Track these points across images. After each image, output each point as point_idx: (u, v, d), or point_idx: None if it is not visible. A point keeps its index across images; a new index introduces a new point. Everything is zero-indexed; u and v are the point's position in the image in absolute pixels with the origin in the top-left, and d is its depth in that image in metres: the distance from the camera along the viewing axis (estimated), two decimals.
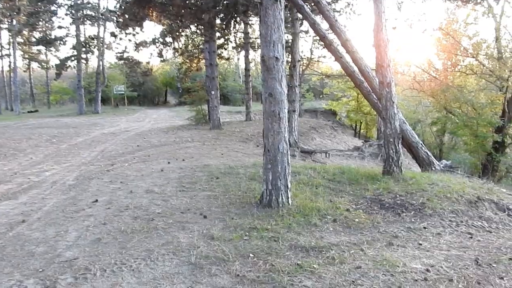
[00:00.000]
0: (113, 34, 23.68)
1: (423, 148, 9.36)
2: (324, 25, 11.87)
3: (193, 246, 3.82)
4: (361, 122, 29.60)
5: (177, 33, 15.80)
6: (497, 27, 18.22)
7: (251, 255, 3.60)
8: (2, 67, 42.64)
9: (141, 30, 19.94)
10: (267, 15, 5.09)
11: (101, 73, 32.32)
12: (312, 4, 11.69)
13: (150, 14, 12.80)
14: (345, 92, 28.32)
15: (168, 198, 5.64)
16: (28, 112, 34.59)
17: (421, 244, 3.85)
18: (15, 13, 26.60)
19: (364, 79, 9.83)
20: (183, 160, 9.10)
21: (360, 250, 3.67)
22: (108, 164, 8.93)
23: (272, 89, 5.07)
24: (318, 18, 12.60)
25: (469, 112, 19.38)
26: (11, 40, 36.11)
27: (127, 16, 13.10)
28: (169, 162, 8.77)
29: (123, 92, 35.74)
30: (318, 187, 6.00)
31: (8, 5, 33.09)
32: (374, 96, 9.44)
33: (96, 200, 5.72)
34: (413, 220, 4.64)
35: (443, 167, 9.44)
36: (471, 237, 4.12)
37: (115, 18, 25.47)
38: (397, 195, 5.46)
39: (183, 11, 13.49)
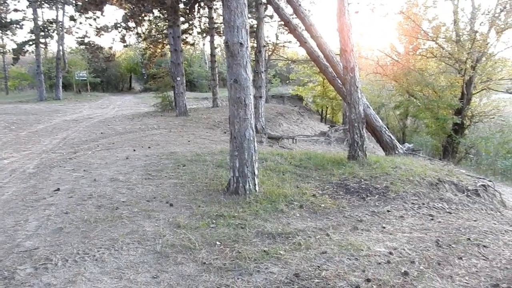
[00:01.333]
0: (72, 18, 22.78)
1: (386, 132, 9.58)
2: (288, 10, 11.83)
3: (159, 235, 3.78)
4: (327, 107, 29.95)
5: (140, 18, 15.38)
6: (455, 10, 18.72)
7: (217, 242, 3.59)
8: None
9: (101, 14, 19.26)
10: (230, 0, 5.01)
11: (61, 58, 31.12)
12: None
13: None
14: (311, 77, 28.51)
15: (133, 187, 5.54)
16: None
17: (384, 228, 3.96)
18: None
19: (328, 64, 9.91)
20: (149, 147, 8.95)
21: (326, 235, 3.73)
22: (70, 152, 8.67)
23: (237, 76, 5.03)
24: (282, 3, 12.57)
25: (430, 95, 19.95)
26: None
27: (86, 0, 12.64)
28: (134, 150, 8.60)
29: (85, 78, 34.69)
30: (285, 173, 6.04)
31: None
32: (339, 81, 9.55)
33: (58, 189, 5.55)
34: (377, 204, 4.76)
35: (406, 150, 9.72)
36: (432, 219, 4.27)
37: (73, 2, 24.50)
38: (362, 180, 5.58)
39: None
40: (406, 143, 12.44)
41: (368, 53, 23.35)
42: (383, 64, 22.04)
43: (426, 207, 4.68)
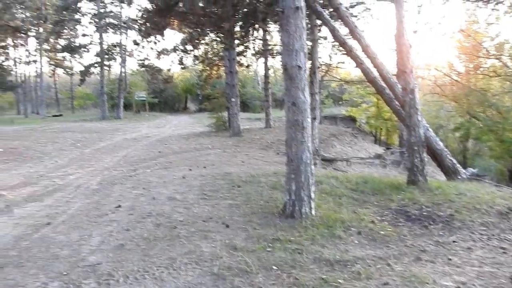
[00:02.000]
0: (135, 42, 24.05)
1: (448, 155, 9.15)
2: (342, 31, 11.77)
3: (216, 256, 3.80)
4: (381, 129, 29.23)
5: (197, 41, 15.93)
6: None
7: (274, 267, 3.55)
8: (30, 73, 43.82)
9: (162, 38, 20.14)
10: (288, 24, 5.06)
11: (123, 80, 32.84)
12: (331, 10, 11.64)
13: (171, 23, 12.95)
14: (364, 98, 28.03)
15: (190, 206, 5.64)
16: (53, 116, 35.35)
17: (450, 259, 3.73)
18: (42, 22, 27.34)
19: (385, 85, 9.69)
20: (204, 167, 9.12)
21: (387, 265, 3.57)
22: (130, 170, 9.02)
23: (295, 98, 5.03)
24: (337, 24, 12.52)
25: (494, 116, 18.90)
26: (38, 47, 37.10)
27: (149, 25, 13.30)
28: (190, 169, 8.79)
29: (144, 99, 36.23)
30: (341, 197, 5.91)
31: (35, 14, 34.08)
32: (397, 103, 9.30)
33: (119, 206, 5.76)
34: (441, 233, 4.51)
35: (469, 175, 9.22)
36: (505, 252, 3.97)
37: (137, 27, 25.88)
38: (423, 206, 5.33)
39: (203, 19, 13.60)
40: (469, 168, 11.81)
41: (425, 73, 22.66)
42: (441, 84, 21.26)
43: (496, 238, 4.37)
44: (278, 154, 12.68)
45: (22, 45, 39.41)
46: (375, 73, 9.98)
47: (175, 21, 12.88)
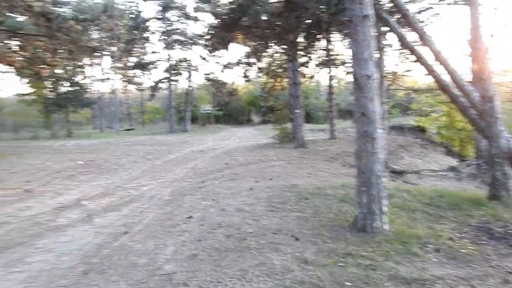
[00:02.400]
0: (202, 58, 24.87)
1: None
2: (409, 37, 11.35)
3: (287, 269, 3.77)
4: (454, 139, 27.66)
5: (261, 54, 16.16)
6: None
7: (347, 283, 3.45)
8: (104, 90, 46.89)
9: (227, 52, 20.64)
10: (357, 33, 4.97)
11: (189, 94, 34.07)
12: (399, 16, 11.30)
13: (236, 37, 13.27)
14: (434, 107, 26.74)
15: (258, 218, 5.67)
16: (126, 130, 37.46)
17: None
18: (115, 41, 29.27)
19: (460, 93, 9.17)
20: (271, 179, 9.15)
21: (470, 287, 3.34)
22: (199, 181, 9.26)
23: (365, 108, 4.91)
24: (404, 31, 12.09)
25: None
26: (112, 65, 39.71)
27: (215, 40, 13.73)
28: (257, 181, 8.86)
29: (210, 112, 37.30)
30: (415, 211, 5.65)
31: (109, 34, 36.48)
32: (473, 112, 8.76)
33: (190, 217, 5.93)
34: None
35: None
36: None
37: (203, 42, 26.84)
38: (509, 224, 4.94)
39: (267, 32, 13.78)
40: None
41: (503, 79, 21.21)
42: None
43: None
44: (345, 166, 12.43)
45: (97, 64, 42.34)
46: (447, 80, 9.50)
47: (240, 35, 13.19)
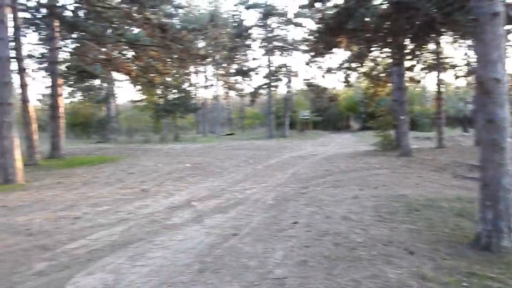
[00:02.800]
0: (306, 63, 25.03)
1: None
2: None
3: (404, 284, 3.56)
4: None
5: (364, 58, 15.72)
6: None
7: None
8: (207, 96, 49.38)
9: (329, 57, 20.48)
10: (484, 32, 4.55)
11: (289, 99, 34.41)
12: None
13: (341, 41, 13.08)
14: None
15: (366, 228, 5.47)
16: (226, 134, 38.99)
17: None
18: (219, 49, 30.82)
19: None
20: (375, 188, 8.81)
21: None
22: (301, 187, 9.25)
23: (493, 115, 4.47)
24: None
25: None
26: (215, 72, 41.72)
27: (319, 45, 13.70)
28: (361, 189, 8.60)
29: (308, 117, 37.24)
30: None
31: (213, 42, 38.50)
32: None
33: (296, 222, 5.93)
34: None
35: None
36: None
37: (304, 48, 26.99)
38: None
39: (373, 35, 13.38)
40: None
41: None
42: None
43: None
44: (456, 177, 11.51)
45: (201, 71, 44.78)
46: None
47: (344, 39, 12.97)
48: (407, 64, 17.98)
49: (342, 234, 5.19)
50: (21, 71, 14.16)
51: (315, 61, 20.05)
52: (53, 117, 16.59)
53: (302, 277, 3.82)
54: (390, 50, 14.77)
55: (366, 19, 10.82)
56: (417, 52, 15.24)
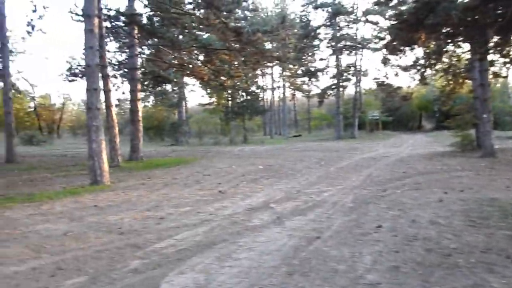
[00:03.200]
0: (382, 62, 24.32)
1: None
2: None
3: None
4: None
5: (443, 54, 14.90)
6: None
7: None
8: (273, 98, 49.66)
9: (404, 55, 19.75)
10: None
11: (358, 99, 33.64)
12: None
13: (420, 37, 12.50)
14: None
15: (459, 233, 5.16)
16: (293, 136, 38.96)
17: None
18: (289, 51, 30.83)
19: None
20: (461, 190, 8.32)
21: None
22: (379, 190, 8.97)
23: None
24: None
25: None
26: (282, 74, 41.86)
27: (395, 43, 13.21)
28: (445, 192, 8.16)
29: (377, 117, 36.16)
30: None
31: (281, 44, 38.55)
32: None
33: (380, 226, 5.74)
34: None
35: None
36: None
37: (373, 46, 26.25)
38: None
39: (456, 30, 12.63)
40: None
41: None
42: None
43: None
44: None
45: (268, 73, 45.12)
46: None
47: (423, 35, 12.37)
48: (490, 58, 16.83)
49: (432, 240, 4.94)
50: (105, 77, 15.12)
51: (389, 59, 19.38)
52: (132, 121, 17.56)
53: (396, 283, 3.67)
54: (473, 44, 13.86)
55: (449, 12, 10.19)
56: (503, 46, 14.15)
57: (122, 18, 16.83)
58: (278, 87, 47.15)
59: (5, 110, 19.18)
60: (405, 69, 16.08)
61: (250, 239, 5.50)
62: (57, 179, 12.45)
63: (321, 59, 38.26)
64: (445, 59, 18.16)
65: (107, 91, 15.35)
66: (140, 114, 17.73)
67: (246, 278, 4.08)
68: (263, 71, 43.65)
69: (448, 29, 12.15)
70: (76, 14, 16.32)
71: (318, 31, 36.25)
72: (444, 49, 13.82)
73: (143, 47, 21.04)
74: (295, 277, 3.99)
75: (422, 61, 18.25)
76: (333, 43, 35.08)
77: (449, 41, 12.78)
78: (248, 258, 4.71)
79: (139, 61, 20.53)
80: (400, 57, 18.45)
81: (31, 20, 31.12)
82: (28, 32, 21.29)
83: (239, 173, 12.65)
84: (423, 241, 4.89)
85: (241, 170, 13.23)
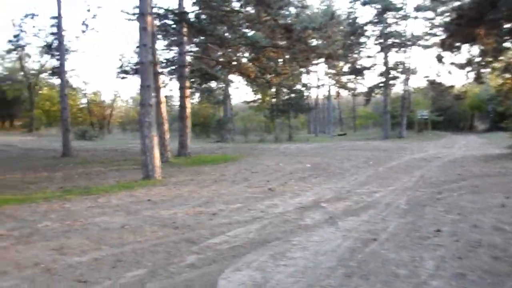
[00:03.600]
0: (438, 59, 23.43)
1: None
2: None
3: None
4: None
5: (503, 51, 14.12)
6: None
7: None
8: (318, 96, 49.19)
9: (459, 52, 18.95)
10: None
11: (406, 98, 32.64)
12: None
13: (480, 33, 11.90)
14: None
15: None
16: (338, 135, 38.42)
17: None
18: (337, 48, 30.40)
19: None
20: None
21: None
22: (434, 192, 8.65)
23: None
24: None
25: None
26: (328, 71, 41.36)
27: (452, 39, 12.66)
28: (507, 197, 7.72)
29: (427, 117, 34.95)
30: None
31: (327, 41, 38.05)
32: None
33: (439, 230, 5.51)
34: None
35: None
36: None
37: (439, 42, 25.27)
38: None
39: None
40: None
41: None
42: None
43: None
44: None
45: (312, 71, 44.63)
46: None
47: (482, 31, 11.76)
48: None
49: (498, 247, 4.69)
50: (156, 74, 15.49)
51: (443, 57, 18.63)
52: (181, 117, 17.92)
53: None
54: None
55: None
56: None
57: (171, 16, 17.17)
58: (323, 85, 46.62)
59: (62, 106, 20.13)
60: (461, 67, 15.39)
61: (304, 238, 5.45)
62: (110, 173, 12.91)
63: (368, 57, 37.27)
64: (503, 57, 17.23)
65: (157, 88, 15.72)
66: (188, 110, 18.05)
67: (302, 278, 4.04)
68: (308, 68, 43.27)
69: (510, 25, 11.48)
70: (127, 13, 16.88)
71: (365, 28, 35.43)
72: (504, 47, 13.08)
73: (191, 45, 21.38)
74: (354, 280, 3.90)
75: (478, 59, 17.39)
76: (381, 40, 34.19)
77: (509, 37, 12.07)
78: (303, 257, 4.66)
79: (187, 58, 20.94)
80: (456, 55, 17.69)
81: (85, 19, 32.46)
82: (83, 31, 22.22)
83: (287, 171, 12.60)
84: (488, 248, 4.65)
85: (288, 168, 13.17)
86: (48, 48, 33.80)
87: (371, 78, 74.79)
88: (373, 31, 35.35)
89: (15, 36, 35.50)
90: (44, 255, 4.88)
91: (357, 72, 38.95)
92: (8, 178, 12.10)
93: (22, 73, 41.25)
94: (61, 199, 8.52)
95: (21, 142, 27.47)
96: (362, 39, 37.14)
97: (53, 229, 6.12)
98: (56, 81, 38.37)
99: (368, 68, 37.25)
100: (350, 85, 46.36)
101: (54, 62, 35.20)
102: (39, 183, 11.20)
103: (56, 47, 26.97)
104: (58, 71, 21.08)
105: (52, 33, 32.02)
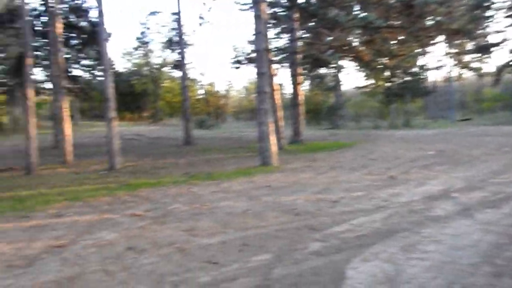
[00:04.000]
0: None
1: None
2: None
3: None
4: None
5: None
6: None
7: None
8: (436, 78, 45.47)
9: None
10: None
11: None
12: None
13: None
14: None
15: None
16: (462, 120, 35.17)
17: None
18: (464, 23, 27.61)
19: None
20: None
21: None
22: None
23: None
24: None
25: None
26: (447, 51, 37.80)
27: None
28: None
29: None
30: None
31: (446, 18, 34.74)
32: None
33: None
34: None
35: None
36: None
37: None
38: None
39: None
40: None
41: None
42: None
43: None
44: None
45: (430, 52, 41.10)
46: None
47: None
48: None
49: None
50: (269, 62, 15.68)
51: None
52: (294, 105, 17.95)
53: None
54: None
55: None
56: None
57: (284, 1, 17.18)
58: (442, 66, 42.82)
59: (183, 97, 21.53)
60: None
61: (435, 230, 5.04)
62: (228, 160, 13.47)
63: (497, 32, 33.12)
64: None
65: (271, 75, 15.90)
66: (301, 98, 18.00)
67: (440, 274, 3.71)
68: (424, 49, 40.14)
69: None
70: (239, 4, 17.33)
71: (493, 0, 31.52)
72: None
73: (301, 31, 21.21)
74: (504, 280, 3.47)
75: None
76: (511, 13, 30.19)
77: None
78: (437, 251, 4.30)
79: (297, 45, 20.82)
80: None
81: (201, 13, 34.24)
82: (200, 24, 23.33)
83: (407, 158, 11.86)
84: None
85: (409, 155, 12.39)
86: (169, 43, 36.52)
87: (500, 56, 67.01)
88: (504, 1, 31.31)
89: (141, 33, 39.11)
90: (177, 235, 5.23)
91: (484, 49, 34.97)
92: (139, 164, 13.31)
93: (147, 67, 45.14)
94: (187, 183, 9.12)
95: (148, 131, 30.11)
96: (489, 13, 33.17)
97: (183, 211, 6.55)
98: (177, 74, 41.25)
99: (497, 45, 33.20)
100: (474, 64, 41.86)
101: (174, 56, 38.02)
102: (167, 168, 12.14)
103: (177, 42, 28.93)
104: (179, 64, 22.51)
105: (173, 29, 34.50)
